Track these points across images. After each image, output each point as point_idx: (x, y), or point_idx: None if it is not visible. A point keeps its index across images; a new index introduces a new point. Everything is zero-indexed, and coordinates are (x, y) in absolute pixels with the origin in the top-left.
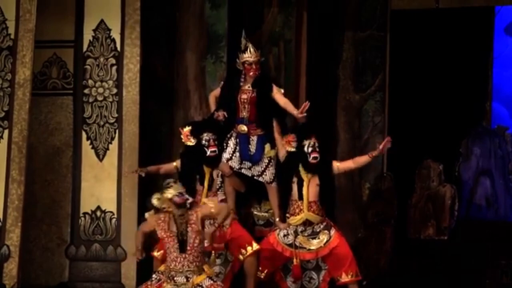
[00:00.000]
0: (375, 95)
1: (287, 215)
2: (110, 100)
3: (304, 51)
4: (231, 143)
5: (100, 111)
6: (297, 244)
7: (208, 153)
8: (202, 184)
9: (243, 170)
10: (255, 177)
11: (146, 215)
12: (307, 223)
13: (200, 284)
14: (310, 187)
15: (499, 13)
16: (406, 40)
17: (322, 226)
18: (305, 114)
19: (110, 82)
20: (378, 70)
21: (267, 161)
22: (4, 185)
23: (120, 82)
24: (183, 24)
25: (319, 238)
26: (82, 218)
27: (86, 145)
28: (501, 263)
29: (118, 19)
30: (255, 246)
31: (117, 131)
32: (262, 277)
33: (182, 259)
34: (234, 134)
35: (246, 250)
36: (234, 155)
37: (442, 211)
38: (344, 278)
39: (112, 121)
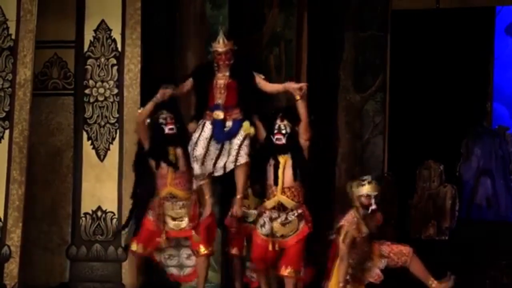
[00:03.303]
0: (376, 95)
1: (264, 199)
2: (111, 100)
3: (304, 51)
4: (204, 133)
5: (101, 111)
6: (274, 232)
7: (166, 130)
8: (169, 164)
9: (216, 173)
10: (227, 169)
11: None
12: (280, 208)
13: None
14: (286, 170)
15: (499, 13)
16: (407, 40)
17: (296, 214)
18: (304, 87)
19: (111, 82)
20: (378, 70)
21: (241, 138)
22: (5, 186)
23: (121, 82)
24: (184, 25)
25: (289, 229)
26: (83, 219)
27: (87, 145)
28: (502, 263)
29: (119, 19)
30: (207, 250)
31: (118, 131)
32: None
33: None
34: (207, 124)
35: (199, 249)
36: (210, 144)
37: (442, 211)
38: (283, 272)
39: (113, 121)
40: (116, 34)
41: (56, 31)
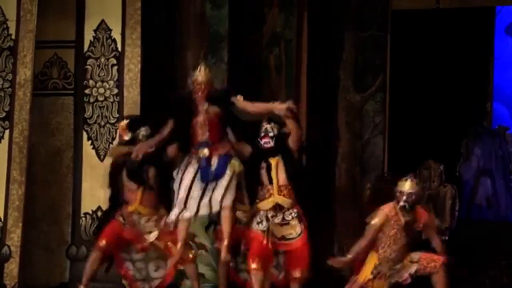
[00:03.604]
0: (376, 95)
1: (257, 200)
2: (111, 100)
3: (305, 51)
4: (189, 174)
5: (101, 111)
6: (272, 232)
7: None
8: (141, 184)
9: (201, 211)
10: (213, 209)
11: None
12: (277, 208)
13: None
14: (279, 170)
15: (499, 13)
16: (406, 40)
17: (293, 214)
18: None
19: (111, 82)
20: (378, 70)
21: (228, 178)
22: (5, 186)
23: (121, 82)
24: (184, 25)
25: (290, 231)
26: (83, 219)
27: (87, 145)
28: (502, 263)
29: (119, 19)
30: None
31: (118, 131)
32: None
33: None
34: (192, 162)
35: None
36: (194, 184)
37: (443, 211)
38: (296, 274)
39: (113, 121)
40: (116, 34)
41: (56, 31)
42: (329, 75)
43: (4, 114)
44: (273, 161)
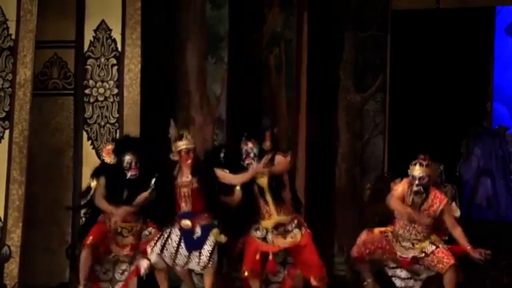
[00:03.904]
0: (376, 95)
1: (257, 217)
2: (111, 100)
3: (305, 51)
4: (172, 242)
5: (101, 111)
6: (269, 240)
7: (128, 175)
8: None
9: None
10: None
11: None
12: (278, 225)
13: (424, 249)
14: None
15: (499, 13)
16: (407, 40)
17: (294, 224)
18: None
19: (111, 82)
20: (378, 70)
21: (212, 244)
22: (5, 185)
23: (121, 82)
24: (184, 25)
25: (292, 238)
26: (83, 219)
27: (87, 145)
28: (502, 263)
29: (119, 19)
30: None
31: (118, 131)
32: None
33: (411, 229)
34: (175, 231)
35: None
36: (178, 252)
37: None
38: (313, 282)
39: (113, 121)
40: (116, 34)
41: (56, 31)
42: (329, 75)
43: (4, 114)
44: (263, 182)
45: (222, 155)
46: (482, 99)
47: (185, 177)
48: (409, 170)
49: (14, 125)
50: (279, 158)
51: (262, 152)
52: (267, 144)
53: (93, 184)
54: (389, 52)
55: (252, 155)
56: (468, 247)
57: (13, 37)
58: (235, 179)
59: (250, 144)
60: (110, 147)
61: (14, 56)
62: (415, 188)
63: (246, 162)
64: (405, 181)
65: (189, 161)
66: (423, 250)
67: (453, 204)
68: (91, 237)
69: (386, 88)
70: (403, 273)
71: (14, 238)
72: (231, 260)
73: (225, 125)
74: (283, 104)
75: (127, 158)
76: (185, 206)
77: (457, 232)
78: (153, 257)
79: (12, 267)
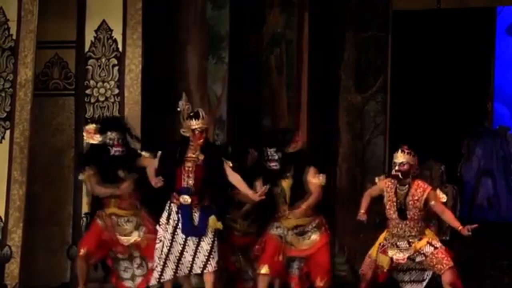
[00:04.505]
0: (377, 96)
1: (278, 214)
2: (112, 100)
3: (305, 52)
4: (172, 220)
5: (102, 111)
6: (288, 240)
7: (112, 152)
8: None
9: (179, 272)
10: (193, 271)
11: (376, 179)
12: (297, 225)
13: (422, 250)
14: (292, 193)
15: (500, 13)
16: (407, 40)
17: (313, 225)
18: (263, 197)
19: (112, 82)
20: (379, 70)
21: (211, 241)
22: (6, 186)
23: (122, 82)
24: (185, 25)
25: (309, 239)
26: (84, 219)
27: (87, 145)
28: (503, 263)
29: (120, 19)
30: None
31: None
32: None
33: (403, 225)
34: (173, 208)
35: None
36: (176, 233)
37: None
38: (318, 283)
39: None
40: (117, 35)
41: (57, 32)
42: (330, 75)
43: (5, 114)
44: (285, 183)
45: (230, 149)
46: (483, 99)
47: (192, 153)
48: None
49: (15, 125)
50: (312, 178)
51: (285, 155)
52: (295, 145)
53: (81, 177)
54: (390, 53)
55: (276, 158)
56: (460, 228)
57: (14, 37)
58: (233, 178)
59: (272, 150)
60: (90, 126)
61: (15, 56)
62: (393, 173)
63: (271, 164)
64: (388, 180)
65: (201, 140)
66: (421, 251)
67: (438, 190)
68: (84, 249)
69: (387, 88)
70: (406, 276)
71: (15, 238)
72: (249, 260)
73: (226, 125)
74: (284, 104)
75: (110, 135)
76: (186, 181)
77: (448, 216)
78: (153, 282)
79: (13, 267)
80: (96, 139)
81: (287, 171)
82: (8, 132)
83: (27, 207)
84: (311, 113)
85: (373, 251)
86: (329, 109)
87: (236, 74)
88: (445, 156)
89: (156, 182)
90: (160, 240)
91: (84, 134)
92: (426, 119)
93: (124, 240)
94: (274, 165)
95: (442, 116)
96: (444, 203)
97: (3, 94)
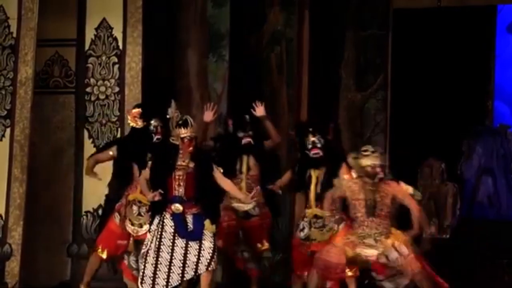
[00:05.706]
0: (377, 94)
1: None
2: (112, 98)
3: (306, 50)
4: (166, 234)
5: (102, 109)
6: (312, 237)
7: (154, 139)
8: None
9: (186, 276)
10: (199, 271)
11: (335, 181)
12: (317, 215)
13: (386, 253)
14: (319, 183)
15: (501, 11)
16: (408, 38)
17: (333, 220)
18: (255, 199)
19: (112, 80)
20: (379, 69)
21: (212, 240)
22: (6, 184)
23: (122, 80)
24: (185, 23)
25: (328, 231)
26: (84, 217)
27: (88, 143)
28: (503, 261)
29: (120, 17)
30: None
31: (119, 129)
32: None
33: (369, 223)
34: (167, 216)
35: None
36: (176, 238)
37: (444, 210)
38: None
39: (114, 119)
40: (118, 33)
41: (57, 29)
42: (330, 73)
43: (5, 112)
44: (315, 173)
45: (247, 117)
46: (483, 98)
47: (183, 161)
48: (360, 163)
49: (15, 123)
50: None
51: (327, 143)
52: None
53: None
54: (390, 51)
55: (319, 145)
56: (416, 233)
57: (14, 35)
58: (224, 183)
59: (317, 136)
60: (136, 110)
61: (15, 54)
62: (379, 175)
63: (313, 152)
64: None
65: (191, 148)
66: (386, 253)
67: (404, 184)
68: (104, 251)
69: (387, 86)
70: (387, 284)
71: (15, 236)
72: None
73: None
74: (284, 102)
75: (154, 122)
76: (177, 191)
77: (415, 214)
78: None
79: (13, 266)
80: (139, 123)
81: (326, 162)
82: (8, 130)
83: (27, 205)
84: (311, 111)
85: (338, 240)
86: (329, 107)
87: (236, 72)
88: (446, 154)
89: (153, 196)
90: (146, 246)
91: (129, 117)
92: (426, 117)
93: (134, 230)
94: (316, 153)
95: (442, 114)
96: (419, 201)
97: (3, 92)
